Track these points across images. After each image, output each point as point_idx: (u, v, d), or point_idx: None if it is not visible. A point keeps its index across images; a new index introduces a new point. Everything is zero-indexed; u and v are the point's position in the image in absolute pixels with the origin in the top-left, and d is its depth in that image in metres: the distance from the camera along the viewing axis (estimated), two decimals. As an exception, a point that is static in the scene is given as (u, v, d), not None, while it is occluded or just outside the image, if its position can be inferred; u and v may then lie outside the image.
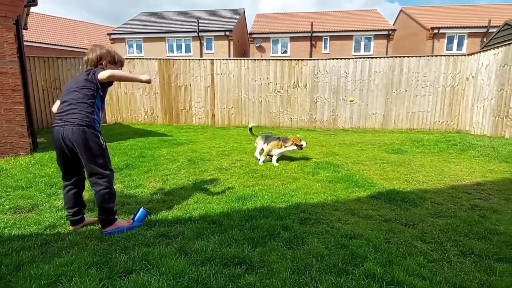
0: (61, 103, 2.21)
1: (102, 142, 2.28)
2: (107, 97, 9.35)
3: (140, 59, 10.18)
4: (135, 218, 2.41)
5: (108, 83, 2.25)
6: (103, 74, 2.15)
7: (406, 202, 2.93)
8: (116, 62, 2.43)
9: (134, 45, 20.20)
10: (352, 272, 1.76)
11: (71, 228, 2.38)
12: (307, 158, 4.93)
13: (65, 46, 22.21)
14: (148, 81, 2.33)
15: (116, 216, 2.35)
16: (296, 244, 2.10)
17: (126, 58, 10.49)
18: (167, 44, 19.78)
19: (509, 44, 6.99)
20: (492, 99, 7.42)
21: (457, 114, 8.74)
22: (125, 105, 10.25)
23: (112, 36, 20.05)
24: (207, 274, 1.72)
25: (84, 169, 2.31)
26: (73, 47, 22.74)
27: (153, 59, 10.06)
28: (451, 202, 2.97)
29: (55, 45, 21.73)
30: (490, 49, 7.62)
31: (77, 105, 2.15)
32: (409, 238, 2.19)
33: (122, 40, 20.07)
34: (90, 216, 2.62)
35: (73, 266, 1.81)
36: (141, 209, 2.48)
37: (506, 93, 6.95)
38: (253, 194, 3.14)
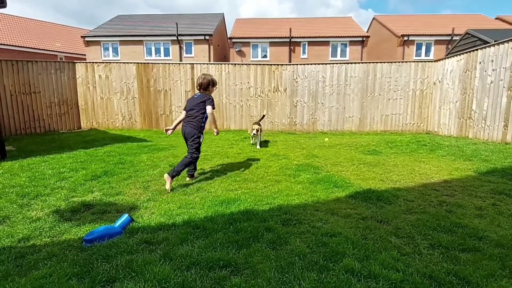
0: (187, 112, 3.84)
1: (201, 139, 3.82)
2: (82, 102, 9.14)
3: (117, 62, 9.93)
4: (119, 224, 2.38)
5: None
6: (209, 110, 3.74)
7: (381, 200, 3.10)
8: (215, 85, 3.99)
9: (110, 48, 19.60)
10: (333, 268, 1.85)
11: (188, 179, 3.94)
12: (288, 161, 5.04)
13: (36, 48, 21.16)
14: (217, 133, 3.91)
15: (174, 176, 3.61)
16: (279, 245, 2.17)
17: (102, 62, 10.19)
18: (145, 48, 19.39)
19: (470, 51, 7.57)
20: (456, 102, 7.97)
21: (426, 116, 9.29)
22: (101, 110, 9.92)
23: (87, 39, 19.35)
24: (192, 278, 1.74)
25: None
26: (45, 49, 21.71)
27: (130, 63, 9.85)
28: (421, 199, 3.18)
29: (25, 47, 20.63)
30: (454, 56, 8.21)
31: (196, 115, 3.77)
32: (384, 234, 2.33)
33: (97, 43, 19.42)
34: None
35: (52, 278, 1.76)
36: (126, 215, 2.45)
37: (469, 97, 7.51)
38: (236, 197, 3.18)
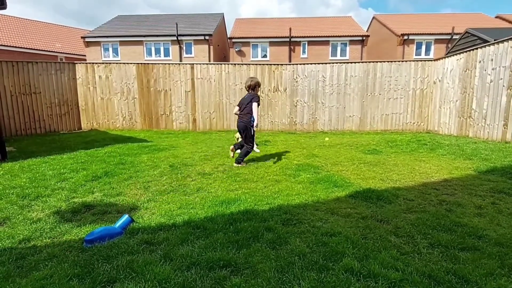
0: (240, 109, 4.75)
1: (253, 132, 4.68)
2: (82, 103, 9.17)
3: (117, 63, 9.94)
4: (119, 225, 2.38)
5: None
6: (254, 105, 4.52)
7: (381, 199, 3.10)
8: (259, 86, 4.89)
9: (110, 49, 19.61)
10: (332, 267, 1.86)
11: (231, 153, 4.98)
12: (288, 161, 5.05)
13: (36, 49, 21.18)
14: (256, 125, 4.59)
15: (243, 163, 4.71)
16: (279, 244, 2.18)
17: (102, 62, 10.21)
18: (145, 48, 19.39)
19: (469, 50, 7.56)
20: (456, 101, 7.97)
21: (426, 115, 9.28)
22: (101, 110, 9.94)
23: (87, 39, 19.35)
24: (193, 278, 1.75)
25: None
26: (45, 50, 21.73)
27: (131, 63, 9.86)
28: (421, 198, 3.18)
29: (25, 48, 20.66)
30: (453, 55, 8.20)
31: (246, 111, 4.63)
32: (384, 233, 2.34)
33: (97, 43, 19.43)
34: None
35: (53, 279, 1.77)
36: (126, 216, 2.46)
37: (469, 96, 7.50)
38: (237, 197, 3.19)
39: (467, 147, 5.93)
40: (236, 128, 4.96)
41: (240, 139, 5.10)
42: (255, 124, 4.53)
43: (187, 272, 1.82)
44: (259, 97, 4.69)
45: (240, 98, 4.95)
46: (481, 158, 4.99)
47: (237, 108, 4.89)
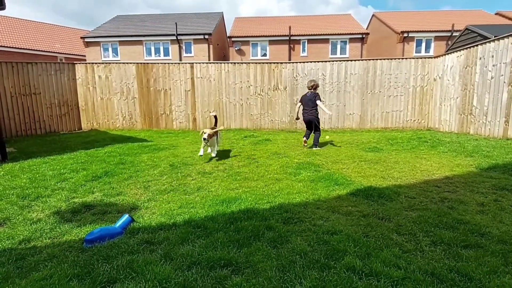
0: (304, 106, 6.15)
1: (320, 122, 6.21)
2: (82, 103, 9.20)
3: (117, 63, 9.92)
4: (119, 225, 2.37)
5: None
6: (319, 103, 6.01)
7: (382, 197, 3.08)
8: (318, 86, 6.30)
9: (110, 49, 19.59)
10: (334, 266, 1.84)
11: (304, 144, 6.25)
12: (289, 159, 5.03)
13: (35, 50, 21.16)
14: (329, 115, 8.18)
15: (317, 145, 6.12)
16: (280, 243, 2.16)
17: (102, 62, 10.19)
18: (144, 48, 19.37)
19: (470, 47, 7.53)
20: (457, 98, 7.93)
21: (427, 113, 9.25)
22: (101, 110, 9.92)
23: (86, 40, 19.34)
24: (193, 277, 1.74)
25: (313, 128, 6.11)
26: (45, 51, 21.71)
27: (130, 63, 9.84)
28: (423, 195, 3.17)
29: (24, 49, 20.65)
30: (454, 52, 8.16)
31: (312, 107, 6.05)
32: (386, 231, 2.32)
33: (96, 43, 19.41)
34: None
35: (53, 279, 1.76)
36: (126, 216, 2.45)
37: (469, 92, 7.47)
38: (237, 196, 3.18)
39: (468, 144, 5.91)
40: (306, 121, 6.28)
41: (205, 137, 4.83)
42: (328, 114, 6.85)
43: (188, 271, 1.81)
44: (319, 95, 6.19)
45: (302, 96, 6.37)
46: (483, 155, 4.96)
47: (299, 104, 6.33)
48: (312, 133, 6.25)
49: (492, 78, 6.75)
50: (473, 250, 2.04)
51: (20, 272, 1.88)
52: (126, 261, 1.92)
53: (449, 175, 3.91)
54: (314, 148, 6.03)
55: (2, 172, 4.33)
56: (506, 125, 6.34)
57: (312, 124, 6.13)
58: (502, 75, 6.47)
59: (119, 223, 2.41)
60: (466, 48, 7.64)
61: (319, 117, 6.15)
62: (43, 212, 2.89)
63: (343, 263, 1.87)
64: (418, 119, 9.35)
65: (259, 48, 20.04)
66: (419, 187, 3.47)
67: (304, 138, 6.26)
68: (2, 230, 2.52)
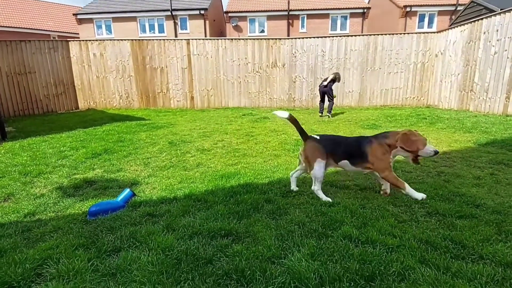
0: (321, 83, 7.71)
1: (333, 94, 7.69)
2: (78, 82, 9.09)
3: (111, 40, 9.66)
4: (121, 198, 2.41)
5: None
6: (330, 86, 7.58)
7: (380, 172, 3.12)
8: (339, 78, 7.70)
9: (103, 26, 18.92)
10: (331, 235, 1.90)
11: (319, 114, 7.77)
12: (287, 136, 5.04)
13: (28, 28, 20.46)
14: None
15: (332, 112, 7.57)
16: (279, 215, 2.21)
17: (96, 39, 9.89)
18: (138, 24, 18.72)
19: (474, 21, 7.31)
20: (458, 74, 7.82)
21: (426, 90, 9.16)
22: (97, 89, 9.77)
23: (79, 17, 18.62)
24: (195, 246, 1.80)
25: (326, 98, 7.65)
26: (37, 29, 20.99)
27: (125, 40, 9.57)
28: (419, 170, 3.21)
29: (16, 27, 19.95)
30: (457, 26, 7.94)
31: (329, 86, 7.53)
32: (382, 203, 2.38)
33: (89, 20, 18.71)
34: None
35: (59, 249, 1.82)
36: (128, 190, 2.49)
37: (471, 69, 7.36)
38: (236, 172, 3.21)
39: (467, 120, 5.91)
40: (321, 93, 7.71)
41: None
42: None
43: (190, 241, 1.86)
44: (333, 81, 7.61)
45: (320, 85, 7.88)
46: (481, 131, 4.98)
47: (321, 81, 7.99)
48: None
49: (495, 53, 6.62)
50: (468, 220, 2.09)
51: (27, 242, 1.94)
52: (130, 231, 1.98)
53: (446, 151, 3.95)
54: (329, 114, 7.40)
55: (2, 151, 4.34)
56: (506, 101, 6.31)
57: (326, 94, 7.54)
58: (506, 50, 6.35)
59: (121, 197, 2.45)
60: (471, 22, 7.43)
61: (331, 88, 7.52)
62: (45, 188, 2.93)
63: (340, 232, 1.93)
64: (418, 97, 9.28)
65: (256, 24, 19.40)
66: (417, 162, 3.50)
67: (320, 113, 7.78)
68: (7, 205, 2.57)
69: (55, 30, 22.15)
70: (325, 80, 7.58)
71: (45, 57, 8.98)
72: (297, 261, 1.61)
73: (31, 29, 20.66)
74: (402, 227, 2.01)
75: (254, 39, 9.58)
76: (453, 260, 1.64)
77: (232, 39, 9.57)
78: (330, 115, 7.36)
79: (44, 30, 21.40)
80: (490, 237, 1.86)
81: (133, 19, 18.58)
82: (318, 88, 7.81)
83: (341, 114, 7.96)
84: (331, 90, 7.44)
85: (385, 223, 2.05)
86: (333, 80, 7.47)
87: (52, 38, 20.68)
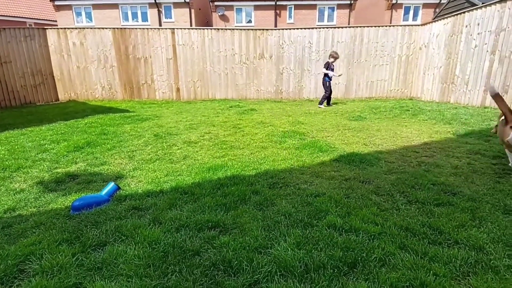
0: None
1: (329, 85, 7.82)
2: (57, 72, 8.78)
3: (92, 28, 9.26)
4: (105, 192, 2.37)
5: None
6: (323, 70, 7.98)
7: (364, 162, 3.21)
8: (333, 56, 7.77)
9: (83, 13, 18.10)
10: (316, 224, 1.95)
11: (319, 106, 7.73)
12: (274, 128, 5.06)
13: (1, 15, 19.29)
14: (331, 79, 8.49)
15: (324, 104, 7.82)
16: (266, 206, 2.25)
17: (75, 28, 9.46)
18: (120, 12, 18.01)
19: (457, 14, 7.48)
20: (441, 67, 8.03)
21: (410, 82, 9.37)
22: (78, 80, 9.41)
23: (56, 3, 17.69)
24: (182, 238, 1.80)
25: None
26: (11, 16, 19.84)
27: (106, 28, 9.21)
28: (401, 160, 3.32)
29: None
30: (441, 19, 8.10)
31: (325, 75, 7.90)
32: (365, 192, 2.45)
33: (68, 7, 17.83)
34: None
35: (42, 244, 1.78)
36: (112, 184, 2.44)
37: (453, 61, 7.57)
38: (223, 164, 3.21)
39: (447, 112, 6.10)
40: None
41: None
42: (332, 76, 7.87)
43: (177, 233, 1.87)
44: (328, 64, 7.78)
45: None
46: (461, 122, 5.17)
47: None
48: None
49: (476, 46, 6.82)
50: (445, 207, 2.20)
51: (8, 238, 1.89)
52: (115, 226, 1.96)
53: (427, 141, 4.08)
54: (318, 106, 7.62)
55: (-24, 144, 4.14)
56: (484, 93, 6.55)
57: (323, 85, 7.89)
58: (486, 44, 6.55)
59: (105, 190, 2.40)
60: (453, 15, 7.59)
61: (326, 80, 7.69)
62: (25, 183, 2.83)
63: (325, 221, 1.98)
64: (402, 89, 9.48)
65: (243, 14, 19.09)
66: (399, 152, 3.61)
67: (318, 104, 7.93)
68: (-16, 201, 2.47)
69: (31, 17, 21.03)
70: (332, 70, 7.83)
71: (21, 45, 8.54)
72: (283, 250, 1.65)
73: (5, 16, 19.54)
74: (384, 215, 2.08)
75: (241, 29, 9.44)
76: (431, 246, 1.73)
77: (218, 29, 9.40)
78: (321, 104, 7.65)
79: (19, 17, 20.28)
80: (465, 223, 1.96)
81: (115, 6, 17.85)
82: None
83: (328, 106, 8.05)
84: (328, 79, 7.68)
85: (368, 211, 2.12)
86: (328, 65, 7.65)
87: (28, 26, 19.64)
